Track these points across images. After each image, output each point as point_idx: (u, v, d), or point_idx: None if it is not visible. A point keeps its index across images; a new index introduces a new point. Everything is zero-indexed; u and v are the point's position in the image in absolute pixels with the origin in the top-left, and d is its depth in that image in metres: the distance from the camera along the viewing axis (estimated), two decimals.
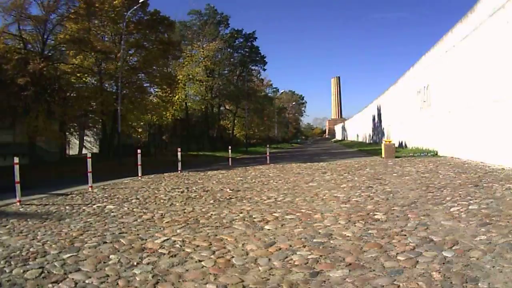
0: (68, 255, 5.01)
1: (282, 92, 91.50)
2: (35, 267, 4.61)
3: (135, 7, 27.26)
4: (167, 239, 5.63)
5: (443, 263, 4.13)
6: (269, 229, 6.00)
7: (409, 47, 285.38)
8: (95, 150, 37.12)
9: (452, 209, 6.63)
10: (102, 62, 28.89)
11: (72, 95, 28.29)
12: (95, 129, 36.63)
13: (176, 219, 7.01)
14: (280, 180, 12.70)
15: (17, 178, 9.69)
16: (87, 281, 4.14)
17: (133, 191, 11.53)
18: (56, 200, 10.26)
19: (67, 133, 31.71)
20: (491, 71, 14.60)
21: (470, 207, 6.70)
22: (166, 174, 16.91)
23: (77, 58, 28.32)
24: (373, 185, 10.25)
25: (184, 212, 7.68)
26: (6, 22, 23.85)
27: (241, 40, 56.01)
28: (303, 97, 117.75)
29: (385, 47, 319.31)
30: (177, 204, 8.73)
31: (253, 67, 60.23)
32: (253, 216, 6.97)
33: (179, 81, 39.57)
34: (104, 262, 4.72)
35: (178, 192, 10.89)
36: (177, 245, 5.31)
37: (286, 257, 4.62)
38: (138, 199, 9.84)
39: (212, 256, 4.78)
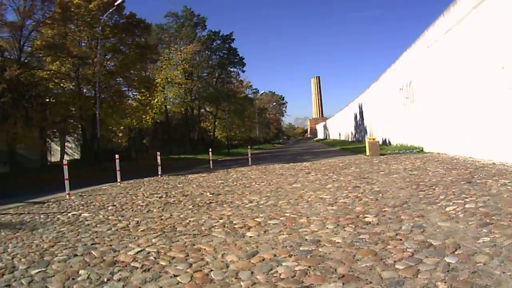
0: (37, 270, 4.66)
1: (262, 93, 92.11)
2: (1, 285, 4.25)
3: (110, 10, 27.02)
4: (141, 250, 5.16)
5: (448, 271, 3.65)
6: (251, 237, 5.48)
7: (389, 43, 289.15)
8: (77, 156, 36.68)
9: (447, 209, 6.17)
10: (80, 68, 28.41)
11: (50, 101, 27.93)
12: (76, 135, 35.99)
13: (152, 227, 6.56)
14: (263, 182, 12.23)
15: None
16: None
17: (110, 197, 11.23)
18: (32, 208, 10.03)
19: (48, 140, 31.22)
20: (476, 64, 14.30)
21: (466, 205, 6.25)
22: (146, 179, 16.55)
23: (54, 64, 27.85)
24: (360, 185, 9.77)
25: (161, 219, 7.22)
26: None
27: (219, 42, 56.04)
28: (284, 97, 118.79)
29: (364, 45, 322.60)
30: (154, 211, 8.30)
31: (232, 69, 60.33)
32: (234, 222, 6.45)
33: (158, 84, 39.39)
34: (73, 279, 4.31)
35: (157, 197, 10.47)
36: (151, 257, 4.83)
37: (271, 269, 4.10)
38: (115, 205, 9.49)
39: (188, 270, 4.28)
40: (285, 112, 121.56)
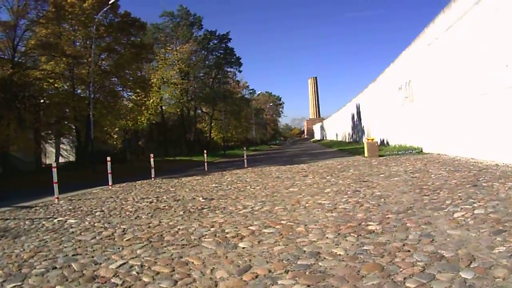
0: (12, 284, 4.32)
1: (259, 94, 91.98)
2: None
3: (105, 9, 26.76)
4: (124, 264, 4.74)
5: None
6: (243, 248, 5.02)
7: (387, 44, 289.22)
8: (72, 158, 36.35)
9: (455, 215, 5.72)
10: (74, 67, 28.11)
11: (44, 101, 27.70)
12: (70, 137, 35.67)
13: (139, 236, 6.12)
14: (258, 186, 11.77)
15: None
16: None
17: (99, 202, 10.85)
18: (18, 213, 9.71)
19: (42, 142, 30.75)
20: (478, 62, 13.89)
21: (475, 211, 5.81)
22: (139, 182, 16.17)
23: (48, 64, 27.55)
24: (360, 189, 9.31)
25: (149, 227, 6.78)
26: None
27: (215, 41, 55.85)
28: (280, 98, 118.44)
29: (362, 45, 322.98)
30: (143, 217, 7.85)
31: (228, 69, 60.40)
32: (226, 231, 6.00)
33: (153, 84, 38.99)
34: None
35: (147, 202, 10.04)
36: (134, 272, 4.39)
37: None
38: (103, 211, 9.09)
39: None
40: (282, 112, 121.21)
